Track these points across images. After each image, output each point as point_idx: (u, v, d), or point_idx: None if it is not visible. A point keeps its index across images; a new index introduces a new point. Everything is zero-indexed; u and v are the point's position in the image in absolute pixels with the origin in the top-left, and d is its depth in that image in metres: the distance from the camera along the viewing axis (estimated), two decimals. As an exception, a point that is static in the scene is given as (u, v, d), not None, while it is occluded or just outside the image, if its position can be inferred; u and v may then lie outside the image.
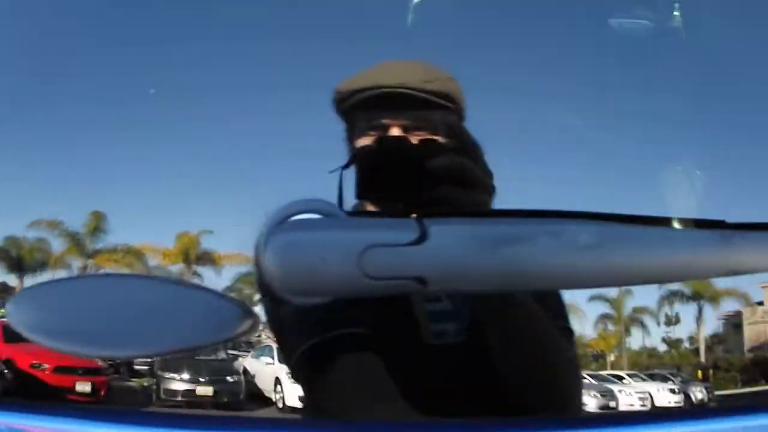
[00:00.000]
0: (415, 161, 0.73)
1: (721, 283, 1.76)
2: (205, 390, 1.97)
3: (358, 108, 0.99)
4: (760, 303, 1.69)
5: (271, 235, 0.48)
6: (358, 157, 0.82)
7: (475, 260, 0.44)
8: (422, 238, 0.45)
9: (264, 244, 0.49)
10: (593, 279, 0.42)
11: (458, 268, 0.44)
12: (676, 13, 1.12)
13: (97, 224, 1.95)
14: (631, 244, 0.43)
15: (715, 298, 1.88)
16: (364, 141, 0.98)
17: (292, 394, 1.22)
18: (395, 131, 0.95)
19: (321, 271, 0.45)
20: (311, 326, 0.88)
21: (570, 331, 0.96)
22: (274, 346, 1.40)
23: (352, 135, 1.03)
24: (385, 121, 0.96)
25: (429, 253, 0.44)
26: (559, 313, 0.92)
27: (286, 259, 0.46)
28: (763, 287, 1.73)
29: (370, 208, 0.85)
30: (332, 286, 0.46)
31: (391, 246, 0.45)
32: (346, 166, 0.91)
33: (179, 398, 1.95)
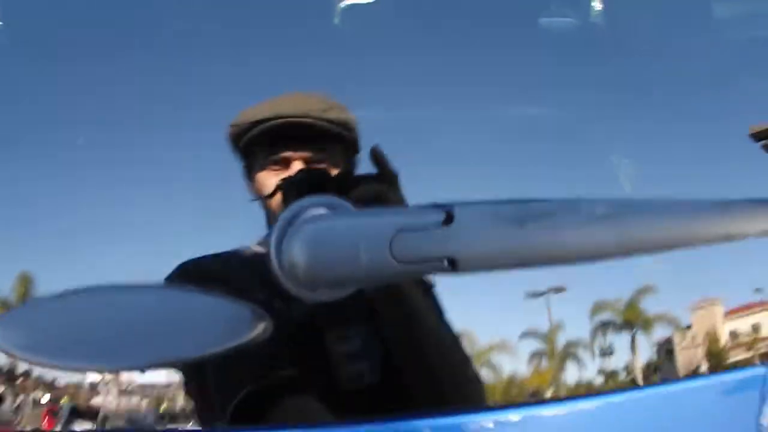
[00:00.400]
0: (341, 190, 0.75)
1: (651, 308, 1.85)
2: None
3: (259, 140, 0.99)
4: (689, 327, 1.79)
5: (297, 227, 0.48)
6: (281, 187, 0.83)
7: (502, 237, 0.46)
8: (449, 219, 0.47)
9: (285, 237, 0.49)
10: (612, 249, 0.45)
11: (486, 246, 0.46)
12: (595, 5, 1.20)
13: (26, 289, 1.82)
14: (640, 214, 0.46)
15: (646, 325, 1.96)
16: (269, 172, 0.98)
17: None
18: (299, 162, 0.97)
19: (354, 259, 0.46)
20: (242, 375, 0.87)
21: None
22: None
23: (252, 168, 1.03)
24: (287, 153, 0.97)
25: (458, 234, 0.46)
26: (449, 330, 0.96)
27: (317, 249, 0.46)
28: (690, 310, 1.84)
29: None
30: (364, 273, 0.46)
31: (420, 229, 0.46)
32: (270, 196, 0.92)
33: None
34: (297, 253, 0.47)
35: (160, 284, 0.52)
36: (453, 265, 0.46)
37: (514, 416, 0.63)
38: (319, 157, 0.97)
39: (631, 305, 1.80)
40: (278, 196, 0.89)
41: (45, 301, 0.56)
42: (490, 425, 0.61)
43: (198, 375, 0.92)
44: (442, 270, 0.47)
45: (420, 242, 0.46)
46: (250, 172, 1.04)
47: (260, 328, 0.54)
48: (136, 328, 0.54)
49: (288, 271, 0.49)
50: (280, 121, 0.97)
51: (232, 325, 0.54)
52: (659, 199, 0.48)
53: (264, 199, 0.98)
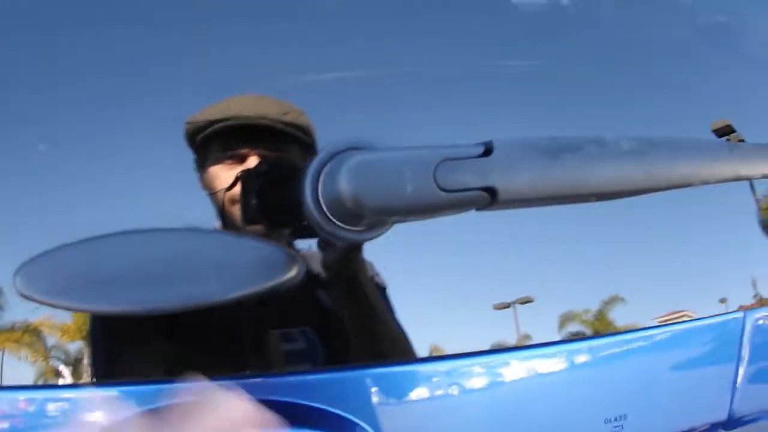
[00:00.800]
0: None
1: (620, 320, 1.89)
2: None
3: (215, 138, 1.01)
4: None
5: (340, 159, 0.50)
6: (240, 179, 0.85)
7: (539, 168, 0.49)
8: (488, 152, 0.49)
9: (324, 171, 0.50)
10: (641, 181, 0.49)
11: (524, 175, 0.49)
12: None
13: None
14: (663, 150, 0.50)
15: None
16: (224, 166, 1.00)
17: None
18: (255, 159, 0.99)
19: (399, 187, 0.48)
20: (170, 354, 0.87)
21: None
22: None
23: (206, 162, 1.04)
24: (244, 150, 0.99)
25: (498, 164, 0.49)
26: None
27: (363, 177, 0.48)
28: (658, 322, 1.89)
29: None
30: (409, 201, 0.48)
31: (462, 159, 0.49)
32: (228, 189, 0.94)
33: None
34: (342, 182, 0.49)
35: (188, 227, 0.53)
36: (493, 195, 0.49)
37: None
38: (277, 155, 1.00)
39: (600, 316, 1.84)
40: (237, 189, 0.90)
41: (69, 248, 0.56)
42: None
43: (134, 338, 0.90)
44: (482, 202, 0.49)
45: (462, 171, 0.48)
46: (204, 166, 1.05)
47: (293, 271, 0.55)
48: (164, 272, 0.54)
49: (330, 203, 0.50)
50: (236, 122, 0.98)
51: (263, 267, 0.55)
52: (681, 138, 0.52)
53: (218, 192, 0.98)
